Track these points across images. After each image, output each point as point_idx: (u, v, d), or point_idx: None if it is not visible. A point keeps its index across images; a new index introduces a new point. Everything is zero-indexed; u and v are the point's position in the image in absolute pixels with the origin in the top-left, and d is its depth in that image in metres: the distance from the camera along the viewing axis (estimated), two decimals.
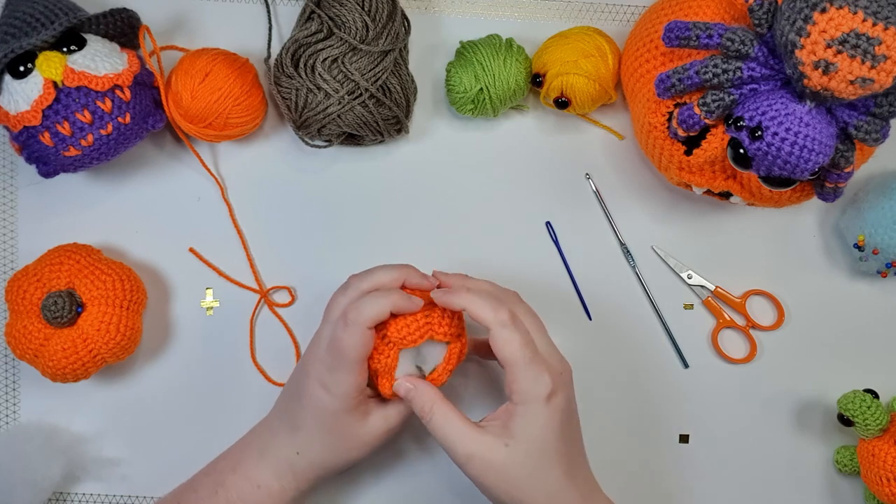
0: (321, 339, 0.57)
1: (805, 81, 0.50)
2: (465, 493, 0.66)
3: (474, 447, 0.52)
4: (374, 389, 0.58)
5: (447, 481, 0.66)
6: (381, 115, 0.63)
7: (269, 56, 0.66)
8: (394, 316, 0.55)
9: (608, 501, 0.57)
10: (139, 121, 0.61)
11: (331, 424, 0.56)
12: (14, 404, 0.67)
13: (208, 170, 0.67)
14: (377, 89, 0.61)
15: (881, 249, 0.63)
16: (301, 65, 0.62)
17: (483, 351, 0.61)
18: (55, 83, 0.57)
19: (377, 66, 0.62)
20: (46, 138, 0.58)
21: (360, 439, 0.57)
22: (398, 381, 0.56)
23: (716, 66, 0.54)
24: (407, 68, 0.65)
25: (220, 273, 0.67)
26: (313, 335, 0.59)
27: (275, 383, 0.67)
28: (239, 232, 0.67)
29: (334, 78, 0.61)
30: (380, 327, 0.55)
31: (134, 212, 0.67)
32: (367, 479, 0.67)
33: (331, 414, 0.55)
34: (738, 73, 0.54)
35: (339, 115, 0.62)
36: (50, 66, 0.57)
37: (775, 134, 0.50)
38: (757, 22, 0.54)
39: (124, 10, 0.62)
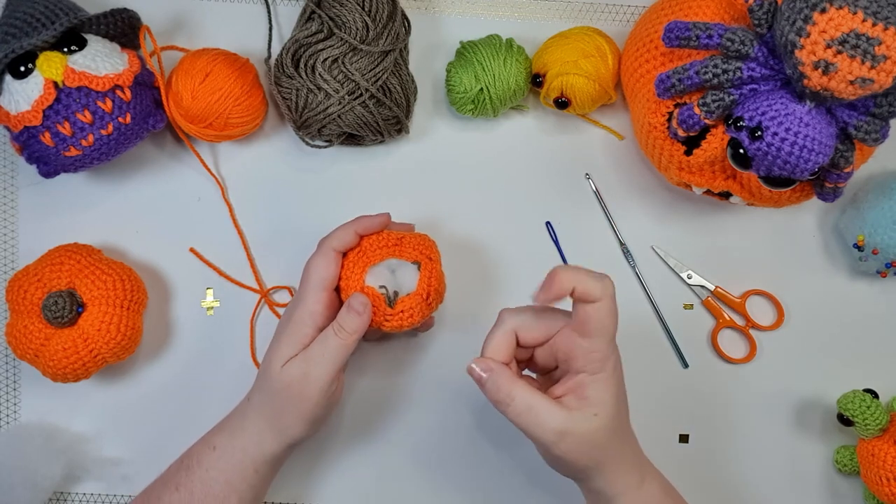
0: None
1: (805, 81, 0.50)
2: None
3: (567, 424, 0.52)
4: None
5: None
6: (381, 116, 0.63)
7: (269, 56, 0.66)
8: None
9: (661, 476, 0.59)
10: (140, 121, 0.61)
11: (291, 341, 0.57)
12: (14, 404, 0.67)
13: (209, 170, 0.67)
14: (377, 89, 0.62)
15: (881, 249, 0.63)
16: (301, 65, 0.62)
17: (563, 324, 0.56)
18: (56, 83, 0.57)
19: (377, 66, 0.62)
20: (47, 138, 0.58)
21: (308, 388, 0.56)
22: (471, 363, 0.53)
23: (716, 66, 0.54)
24: (407, 68, 0.65)
25: (221, 273, 0.67)
26: None
27: None
28: (239, 232, 0.67)
29: (334, 78, 0.61)
30: (356, 249, 0.59)
31: (134, 212, 0.67)
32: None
33: (293, 339, 0.57)
34: (738, 74, 0.54)
35: (339, 116, 0.62)
36: (50, 66, 0.57)
37: (775, 134, 0.51)
38: (757, 22, 0.54)
39: (125, 10, 0.62)
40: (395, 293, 0.59)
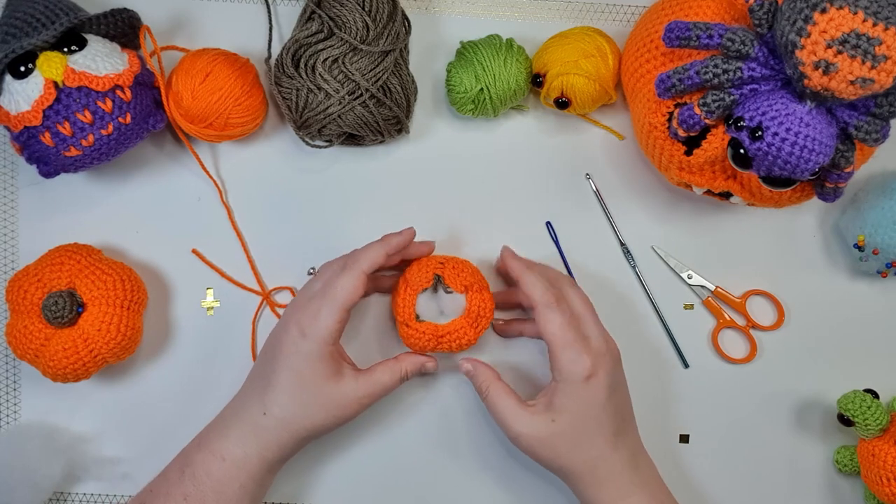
0: (306, 291, 0.61)
1: (805, 81, 0.50)
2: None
3: (523, 425, 0.57)
4: (349, 361, 0.61)
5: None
6: (381, 115, 0.63)
7: (269, 56, 0.66)
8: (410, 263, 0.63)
9: (650, 465, 0.61)
10: (140, 121, 0.61)
11: (305, 374, 0.57)
12: (14, 404, 0.67)
13: (207, 173, 0.67)
14: (377, 89, 0.61)
15: (881, 249, 0.63)
16: (301, 65, 0.62)
17: (533, 332, 0.65)
18: (56, 83, 0.57)
19: (377, 66, 0.62)
20: (47, 138, 0.58)
21: (329, 399, 0.58)
22: (461, 361, 0.62)
23: (716, 66, 0.54)
24: (407, 68, 0.65)
25: (223, 275, 0.67)
26: (290, 302, 0.63)
27: None
28: (238, 235, 0.67)
29: (335, 78, 0.61)
30: (402, 276, 0.62)
31: (134, 212, 0.67)
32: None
33: (304, 359, 0.57)
34: (739, 74, 0.54)
35: (339, 116, 0.62)
36: (51, 66, 0.57)
37: (775, 134, 0.50)
38: (757, 22, 0.54)
39: (125, 10, 0.62)
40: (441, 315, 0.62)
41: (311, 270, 0.66)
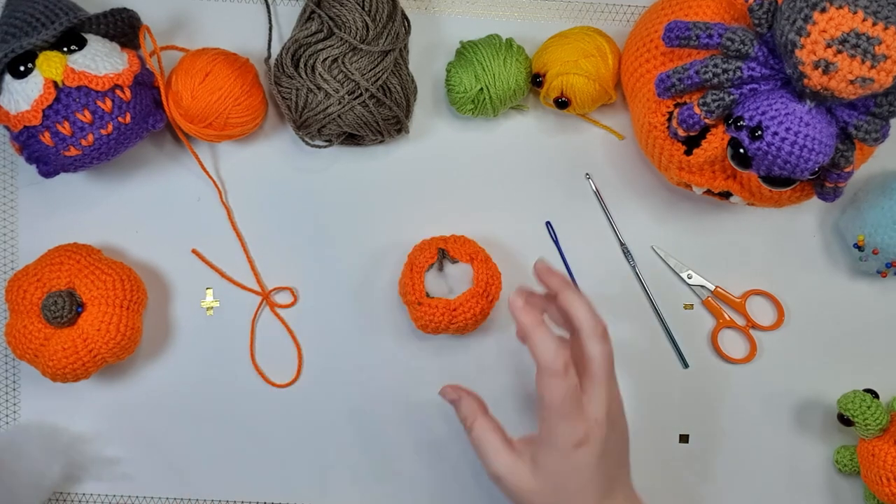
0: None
1: (805, 81, 0.50)
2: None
3: (504, 469, 0.53)
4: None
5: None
6: (381, 115, 0.63)
7: (269, 56, 0.66)
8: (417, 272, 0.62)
9: None
10: (139, 121, 0.61)
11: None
12: (14, 404, 0.67)
13: (207, 173, 0.67)
14: (377, 89, 0.61)
15: (881, 249, 0.63)
16: (301, 65, 0.62)
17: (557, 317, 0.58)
18: (55, 83, 0.57)
19: (377, 66, 0.62)
20: (47, 138, 0.58)
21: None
22: (444, 387, 0.58)
23: (716, 65, 0.54)
24: (407, 68, 0.65)
25: (223, 275, 0.67)
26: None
27: (273, 384, 0.67)
28: (238, 235, 0.67)
29: (334, 78, 0.61)
30: (408, 260, 0.63)
31: (134, 212, 0.67)
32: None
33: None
34: (738, 73, 0.54)
35: (339, 115, 0.62)
36: (50, 65, 0.57)
37: (775, 134, 0.50)
38: (757, 22, 0.54)
39: (124, 10, 0.62)
40: (451, 291, 0.63)
41: None
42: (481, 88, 0.63)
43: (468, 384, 0.67)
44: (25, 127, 0.58)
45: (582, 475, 0.52)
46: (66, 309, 0.59)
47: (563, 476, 0.52)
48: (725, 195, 0.60)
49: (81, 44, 0.59)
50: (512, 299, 0.53)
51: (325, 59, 0.61)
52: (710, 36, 0.54)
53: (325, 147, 0.66)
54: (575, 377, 0.52)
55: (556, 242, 0.68)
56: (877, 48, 0.48)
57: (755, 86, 0.54)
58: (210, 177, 0.67)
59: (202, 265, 0.67)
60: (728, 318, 0.68)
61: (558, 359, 0.51)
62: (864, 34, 0.48)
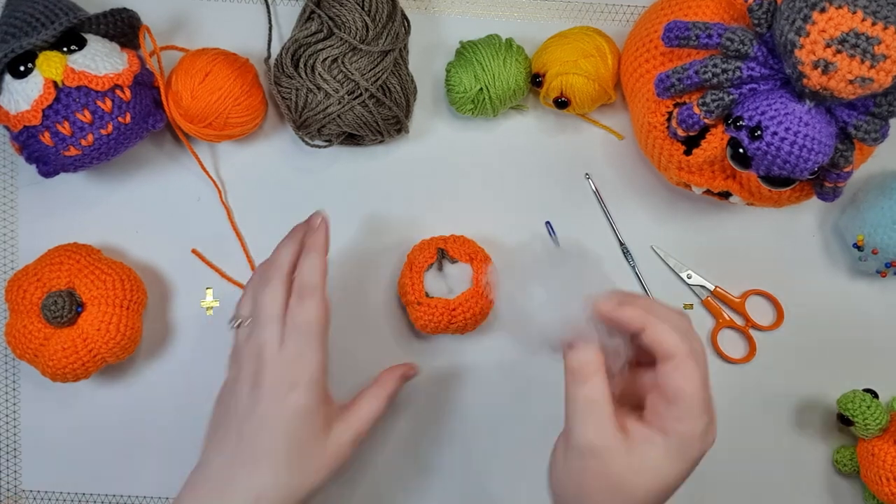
0: (264, 342, 0.51)
1: (804, 81, 0.50)
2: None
3: (608, 444, 0.45)
4: (329, 397, 0.53)
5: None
6: (381, 115, 0.63)
7: (269, 56, 0.66)
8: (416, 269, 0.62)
9: None
10: (139, 121, 0.61)
11: (300, 436, 0.50)
12: (14, 404, 0.67)
13: (207, 173, 0.67)
14: (377, 89, 0.62)
15: (880, 249, 0.63)
16: (301, 65, 0.62)
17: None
18: (55, 83, 0.57)
19: (377, 66, 0.62)
20: (46, 138, 0.58)
21: (327, 455, 0.51)
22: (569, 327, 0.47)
23: (715, 65, 0.54)
24: (407, 68, 0.65)
25: (223, 275, 0.67)
26: (232, 363, 0.54)
27: None
28: (238, 235, 0.67)
29: (334, 78, 0.61)
30: (407, 260, 0.63)
31: (134, 212, 0.67)
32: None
33: (303, 417, 0.50)
34: (738, 73, 0.54)
35: (339, 115, 0.62)
36: (50, 65, 0.57)
37: (775, 133, 0.50)
38: (756, 22, 0.54)
39: (124, 10, 0.62)
40: (451, 291, 0.62)
41: (235, 322, 0.55)
42: (481, 88, 0.63)
43: (468, 384, 0.67)
44: (25, 127, 0.58)
45: (686, 473, 0.46)
46: (66, 309, 0.59)
47: (669, 477, 0.46)
48: (725, 195, 0.60)
49: (81, 44, 0.59)
50: (601, 303, 0.46)
51: (324, 59, 0.61)
52: (709, 36, 0.54)
53: (325, 147, 0.66)
54: (704, 357, 0.46)
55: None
56: (876, 48, 0.48)
57: (755, 86, 0.54)
58: (210, 177, 0.67)
59: (202, 265, 0.67)
60: (727, 318, 0.68)
61: (687, 338, 0.45)
62: (863, 34, 0.48)
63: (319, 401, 0.51)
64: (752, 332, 0.68)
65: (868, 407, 0.62)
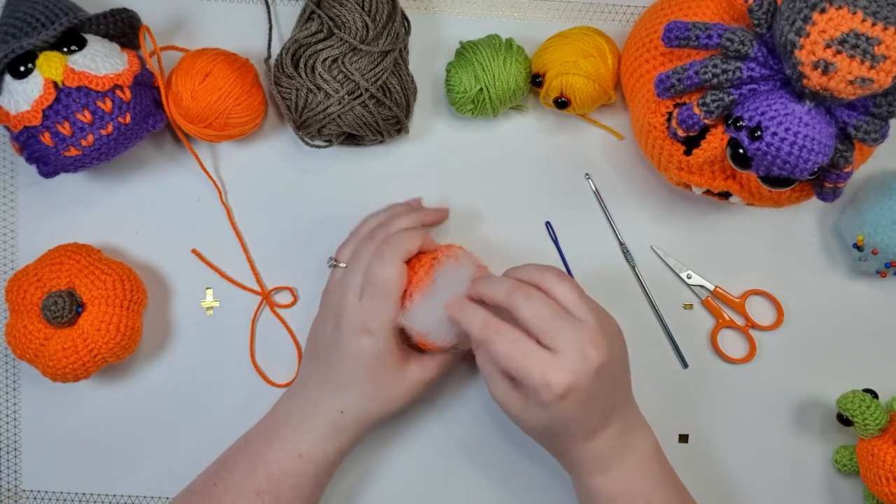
0: (345, 285, 0.59)
1: (804, 81, 0.50)
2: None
3: (502, 394, 0.56)
4: (401, 347, 0.60)
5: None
6: (381, 115, 0.63)
7: (269, 56, 0.66)
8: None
9: (644, 431, 0.60)
10: (139, 121, 0.61)
11: (376, 371, 0.58)
12: (14, 404, 0.67)
13: (207, 173, 0.67)
14: (377, 89, 0.62)
15: (880, 249, 0.63)
16: (301, 65, 0.62)
17: None
18: (55, 83, 0.57)
19: (377, 66, 0.62)
20: (47, 138, 0.58)
21: (401, 387, 0.60)
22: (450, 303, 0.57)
23: (715, 66, 0.54)
24: (407, 68, 0.65)
25: (223, 275, 0.67)
26: (324, 298, 0.63)
27: (273, 384, 0.67)
28: (238, 235, 0.67)
29: (334, 78, 0.61)
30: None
31: (134, 212, 0.67)
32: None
33: (376, 358, 0.58)
34: (738, 74, 0.54)
35: (339, 115, 0.62)
36: (50, 66, 0.57)
37: (774, 134, 0.50)
38: (756, 22, 0.54)
39: (124, 10, 0.62)
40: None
41: (333, 262, 0.63)
42: (481, 88, 0.63)
43: (467, 383, 0.67)
44: (25, 127, 0.58)
45: (566, 420, 0.54)
46: (66, 309, 0.59)
47: (548, 420, 0.54)
48: (725, 195, 0.60)
49: (81, 44, 0.59)
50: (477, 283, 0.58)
51: (325, 60, 0.61)
52: (709, 36, 0.54)
53: (325, 147, 0.66)
54: (515, 331, 0.54)
55: (555, 242, 0.68)
56: (876, 48, 0.48)
57: (754, 86, 0.54)
58: (210, 177, 0.67)
59: (202, 265, 0.67)
60: (727, 318, 0.68)
61: (489, 326, 0.54)
62: (863, 34, 0.48)
63: (389, 346, 0.58)
64: (752, 332, 0.68)
65: (868, 407, 0.62)
